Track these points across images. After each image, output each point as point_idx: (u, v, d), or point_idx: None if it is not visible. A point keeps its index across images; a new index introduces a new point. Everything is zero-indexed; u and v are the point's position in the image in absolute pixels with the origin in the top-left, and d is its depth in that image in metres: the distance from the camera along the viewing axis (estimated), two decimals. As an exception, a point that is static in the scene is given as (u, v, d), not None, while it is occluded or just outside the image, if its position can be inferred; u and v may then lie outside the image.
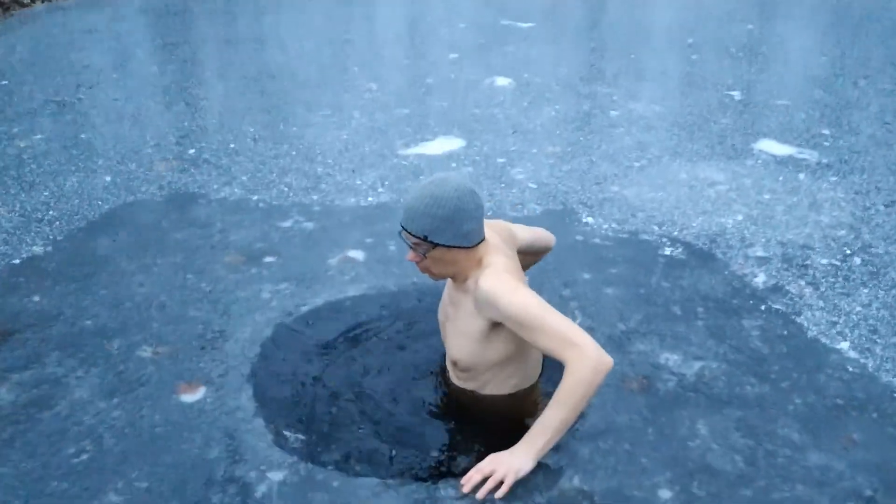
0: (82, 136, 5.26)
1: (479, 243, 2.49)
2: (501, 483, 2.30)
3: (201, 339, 3.05)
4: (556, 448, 2.49)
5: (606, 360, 2.28)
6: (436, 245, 2.43)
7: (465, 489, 2.30)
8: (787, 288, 3.45)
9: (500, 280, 2.39)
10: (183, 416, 2.66)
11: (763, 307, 3.31)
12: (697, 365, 2.92)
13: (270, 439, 2.54)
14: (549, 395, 2.35)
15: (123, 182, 4.50)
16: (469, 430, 2.62)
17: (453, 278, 2.59)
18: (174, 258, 3.66)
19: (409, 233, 2.45)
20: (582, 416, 2.64)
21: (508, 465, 2.33)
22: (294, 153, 4.95)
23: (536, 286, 3.39)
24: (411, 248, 2.50)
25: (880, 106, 5.94)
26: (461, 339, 2.59)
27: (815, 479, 2.41)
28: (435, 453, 2.52)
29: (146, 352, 2.98)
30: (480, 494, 2.29)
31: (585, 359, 2.25)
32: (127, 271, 3.55)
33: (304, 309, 3.26)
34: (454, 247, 2.44)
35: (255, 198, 4.28)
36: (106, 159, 4.86)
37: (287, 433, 2.58)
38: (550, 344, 2.30)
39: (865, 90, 6.34)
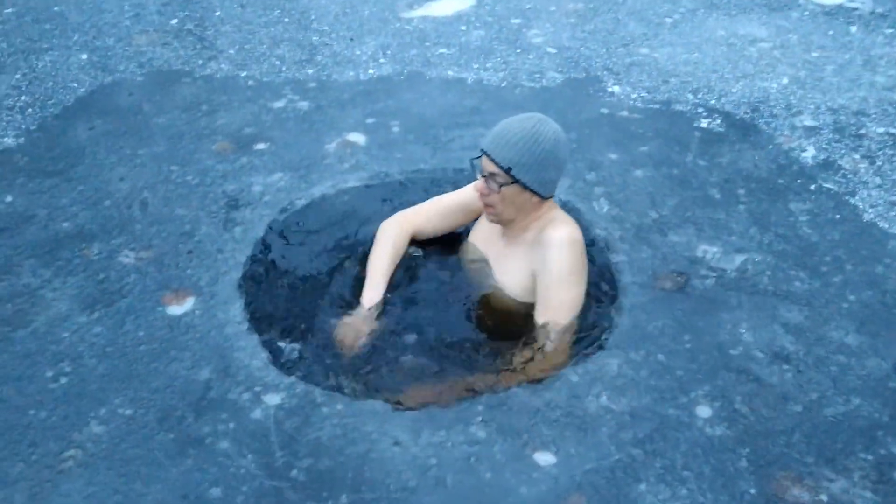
0: (55, 7, 4.78)
1: (549, 198, 2.33)
2: None
3: (188, 240, 2.77)
4: (580, 362, 2.24)
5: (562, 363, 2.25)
6: (515, 181, 2.21)
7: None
8: (839, 163, 3.08)
9: (571, 236, 2.28)
10: (169, 331, 2.41)
11: (812, 187, 2.95)
12: (739, 258, 2.61)
13: (265, 357, 2.30)
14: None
15: (101, 60, 4.09)
16: (485, 344, 2.36)
17: (509, 225, 2.37)
18: (157, 147, 3.32)
19: (492, 160, 2.21)
20: (609, 324, 2.37)
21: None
22: (286, 20, 4.47)
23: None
24: (485, 177, 2.25)
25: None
26: (508, 287, 2.41)
27: (873, 389, 2.15)
28: (447, 367, 2.28)
29: (128, 257, 2.71)
30: None
31: (558, 353, 2.25)
32: (106, 164, 3.22)
33: (300, 203, 2.94)
34: (531, 190, 2.24)
35: (244, 74, 3.87)
36: (81, 34, 4.41)
37: (284, 349, 2.34)
38: (546, 309, 2.28)
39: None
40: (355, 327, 2.36)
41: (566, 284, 2.27)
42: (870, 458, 1.97)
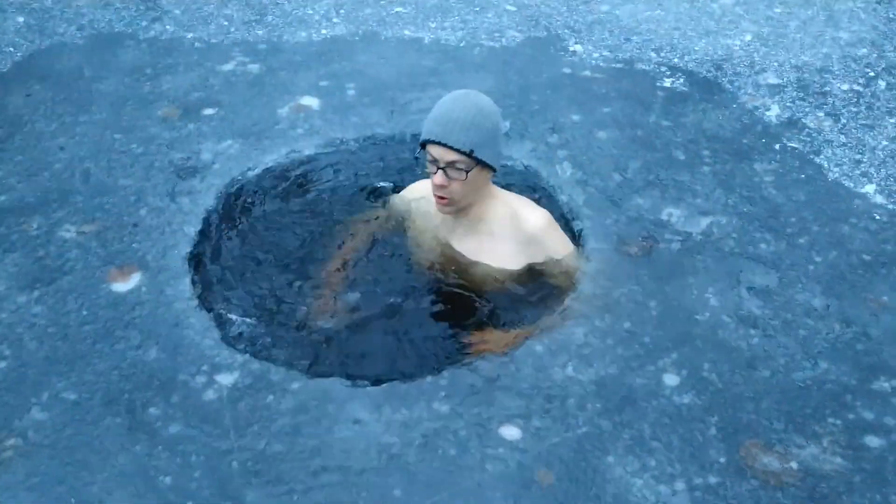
0: (-12, -34, 4.52)
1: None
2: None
3: (133, 213, 2.63)
4: (544, 331, 2.18)
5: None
6: (477, 163, 2.12)
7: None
8: (803, 121, 3.03)
9: (546, 218, 2.29)
10: (115, 309, 2.29)
11: (777, 146, 2.90)
12: (705, 221, 2.55)
13: (217, 335, 2.20)
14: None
15: (38, 23, 3.86)
16: (444, 321, 2.28)
17: (461, 214, 2.28)
18: (99, 114, 3.14)
19: (451, 147, 2.08)
20: (573, 290, 2.31)
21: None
22: (235, -22, 4.28)
23: (519, 131, 2.97)
24: (443, 169, 2.11)
25: None
26: (495, 272, 2.35)
27: (840, 352, 2.13)
28: (409, 344, 2.20)
29: (70, 231, 2.57)
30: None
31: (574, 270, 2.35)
32: (45, 133, 3.05)
33: (252, 173, 2.81)
34: (489, 167, 2.17)
35: (190, 35, 3.69)
36: (17, -6, 4.18)
37: (236, 325, 2.24)
38: (564, 283, 2.31)
39: None
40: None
41: (565, 249, 2.32)
42: (839, 422, 1.95)
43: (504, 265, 2.31)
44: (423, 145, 2.16)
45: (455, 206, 2.22)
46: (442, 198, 2.19)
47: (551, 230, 2.29)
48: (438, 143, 2.10)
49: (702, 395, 2.02)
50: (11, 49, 3.65)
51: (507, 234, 2.27)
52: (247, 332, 2.22)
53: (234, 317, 2.27)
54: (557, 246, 2.30)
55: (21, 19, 3.92)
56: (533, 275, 2.32)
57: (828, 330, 2.19)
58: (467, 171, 2.11)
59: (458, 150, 2.08)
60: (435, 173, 2.14)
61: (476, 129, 2.08)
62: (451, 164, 2.11)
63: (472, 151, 2.09)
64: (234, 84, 3.32)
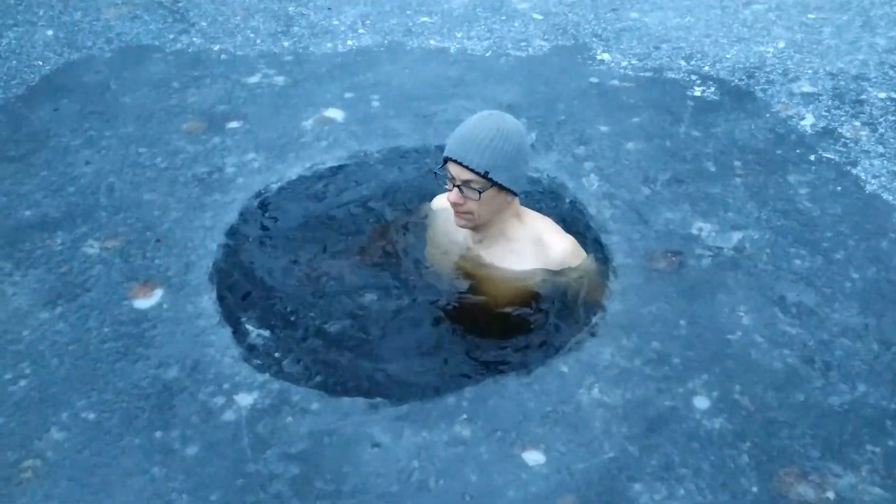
0: (20, -20, 4.58)
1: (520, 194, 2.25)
2: None
3: (156, 228, 2.62)
4: (571, 350, 2.13)
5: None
6: (493, 184, 2.09)
7: None
8: (839, 131, 2.94)
9: (572, 244, 2.27)
10: (136, 326, 2.27)
11: (812, 157, 2.82)
12: (736, 236, 2.48)
13: (237, 353, 2.17)
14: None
15: (67, 36, 3.90)
16: (466, 337, 2.23)
17: (481, 229, 2.25)
18: (125, 128, 3.15)
19: (466, 167, 2.07)
20: (600, 308, 2.25)
21: None
22: (262, -11, 4.28)
23: (545, 142, 2.92)
24: (458, 186, 2.11)
25: None
26: (507, 289, 2.30)
27: (880, 374, 2.04)
28: (430, 365, 2.16)
29: (93, 247, 2.56)
30: None
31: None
32: (71, 147, 3.06)
33: (275, 186, 2.80)
34: (507, 190, 2.13)
35: (217, 48, 3.69)
36: (48, 8, 4.21)
37: (257, 344, 2.21)
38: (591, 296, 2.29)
39: None
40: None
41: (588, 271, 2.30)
42: (878, 450, 1.86)
43: (524, 274, 2.28)
44: (445, 161, 2.14)
45: (472, 223, 2.20)
46: (460, 212, 2.18)
47: (576, 258, 2.26)
48: (455, 162, 2.08)
49: (733, 419, 1.95)
50: (40, 63, 3.68)
51: (528, 255, 2.24)
52: (264, 346, 2.19)
53: (256, 336, 2.24)
54: (581, 270, 2.26)
55: (50, 32, 3.95)
56: (557, 287, 2.27)
57: (866, 351, 2.10)
58: (480, 192, 2.10)
59: (472, 171, 2.07)
60: (451, 190, 2.13)
61: (493, 152, 2.06)
62: (466, 182, 2.09)
63: (487, 173, 2.07)
64: (260, 96, 3.31)
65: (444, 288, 2.37)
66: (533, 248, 2.24)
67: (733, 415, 1.96)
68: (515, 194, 2.18)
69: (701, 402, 1.99)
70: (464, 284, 2.35)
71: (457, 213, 2.18)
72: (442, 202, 2.44)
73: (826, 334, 2.16)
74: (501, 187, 2.11)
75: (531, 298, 2.27)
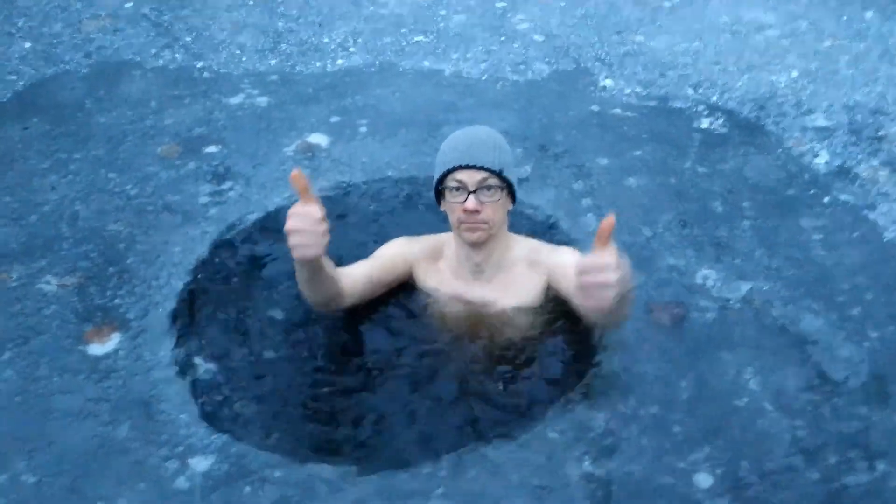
0: (3, -12, 4.41)
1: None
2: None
3: (119, 263, 2.44)
4: (561, 414, 1.94)
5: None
6: (506, 185, 2.03)
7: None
8: (856, 171, 2.75)
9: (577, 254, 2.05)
10: (88, 376, 2.09)
11: (826, 199, 2.63)
12: (745, 286, 2.29)
13: (196, 411, 1.98)
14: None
15: (45, 49, 3.72)
16: (445, 397, 2.04)
17: (485, 247, 2.09)
18: (96, 150, 2.98)
19: (481, 168, 1.96)
20: (596, 366, 2.06)
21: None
22: (251, 2, 4.11)
23: (541, 175, 2.74)
24: (472, 192, 1.96)
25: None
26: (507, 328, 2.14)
27: (901, 452, 1.84)
28: (411, 426, 1.96)
29: (50, 283, 2.38)
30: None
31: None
32: (38, 171, 2.88)
33: (252, 217, 2.61)
34: (512, 195, 2.08)
35: (200, 65, 3.52)
36: (28, 19, 4.05)
37: (216, 400, 2.02)
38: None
39: None
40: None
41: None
42: (900, 543, 1.67)
43: (528, 301, 2.13)
44: (442, 180, 2.02)
45: (487, 232, 2.04)
46: (475, 223, 2.01)
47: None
48: (466, 167, 1.96)
49: (739, 499, 1.75)
50: (14, 77, 3.51)
51: (531, 280, 2.13)
52: (224, 402, 2.00)
53: (218, 398, 2.03)
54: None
55: (28, 45, 3.79)
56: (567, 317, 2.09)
57: (887, 422, 1.91)
58: (500, 189, 2.00)
59: (488, 170, 1.96)
60: (464, 202, 1.98)
61: (500, 151, 2.01)
62: (482, 183, 1.97)
63: (501, 171, 1.98)
64: (240, 119, 3.14)
65: (431, 332, 2.18)
66: (530, 270, 2.13)
67: (739, 494, 1.76)
68: (513, 202, 2.10)
69: (703, 480, 1.79)
70: (454, 333, 2.16)
71: (472, 225, 2.02)
72: (430, 246, 2.24)
73: (842, 401, 1.96)
74: (508, 190, 2.04)
75: (530, 339, 2.11)
